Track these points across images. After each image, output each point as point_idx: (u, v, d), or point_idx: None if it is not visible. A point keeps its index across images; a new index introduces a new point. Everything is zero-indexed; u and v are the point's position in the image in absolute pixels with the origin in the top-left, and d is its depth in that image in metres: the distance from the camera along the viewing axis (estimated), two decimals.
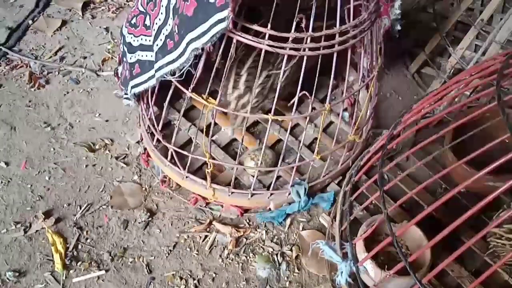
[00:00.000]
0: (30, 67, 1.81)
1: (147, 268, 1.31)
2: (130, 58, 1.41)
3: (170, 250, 1.35)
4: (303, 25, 1.15)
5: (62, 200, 1.44)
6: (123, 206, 1.43)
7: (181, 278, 1.30)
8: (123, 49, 1.45)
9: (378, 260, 1.20)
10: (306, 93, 1.36)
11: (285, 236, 1.40)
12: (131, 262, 1.32)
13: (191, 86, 1.26)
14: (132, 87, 1.42)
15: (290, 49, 1.17)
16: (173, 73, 1.25)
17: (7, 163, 1.51)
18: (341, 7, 1.17)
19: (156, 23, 1.28)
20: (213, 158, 1.42)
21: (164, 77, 1.28)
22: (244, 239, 1.39)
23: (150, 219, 1.41)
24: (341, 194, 1.36)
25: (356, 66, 1.60)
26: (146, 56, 1.36)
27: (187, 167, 1.40)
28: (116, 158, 1.55)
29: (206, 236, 1.38)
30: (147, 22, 1.35)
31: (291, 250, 1.37)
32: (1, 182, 1.47)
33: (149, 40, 1.34)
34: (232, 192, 1.40)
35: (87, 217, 1.41)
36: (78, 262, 1.31)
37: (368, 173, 1.38)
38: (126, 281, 1.28)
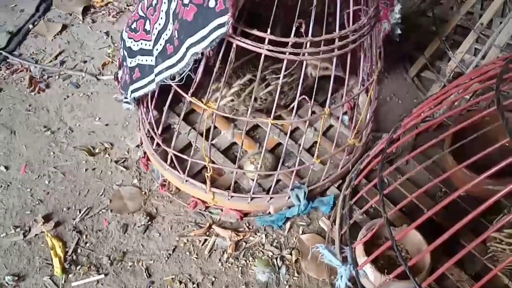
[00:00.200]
0: (30, 71, 1.82)
1: (146, 272, 1.31)
2: (130, 63, 1.42)
3: (170, 254, 1.35)
4: (302, 30, 1.15)
5: (62, 204, 1.44)
6: (123, 210, 1.43)
7: (180, 282, 1.30)
8: (123, 53, 1.46)
9: (378, 264, 1.20)
10: (306, 97, 1.36)
11: (285, 240, 1.40)
12: (130, 266, 1.32)
13: (191, 91, 1.26)
14: (132, 91, 1.43)
15: (290, 53, 1.17)
16: (173, 78, 1.25)
17: (7, 167, 1.51)
18: (341, 12, 1.18)
19: (156, 28, 1.28)
20: (213, 162, 1.42)
21: (164, 82, 1.28)
22: (244, 243, 1.38)
23: (149, 223, 1.41)
24: (340, 197, 1.35)
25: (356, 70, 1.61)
26: (146, 60, 1.36)
27: (186, 171, 1.40)
28: (116, 162, 1.55)
29: (205, 240, 1.38)
30: (147, 27, 1.35)
31: (290, 254, 1.37)
32: (1, 186, 1.47)
33: (149, 45, 1.34)
34: (231, 196, 1.39)
35: (86, 221, 1.41)
36: (77, 266, 1.31)
37: (368, 176, 1.38)
38: (126, 285, 1.28)
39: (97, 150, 1.58)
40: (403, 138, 1.19)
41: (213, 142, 1.54)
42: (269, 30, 1.14)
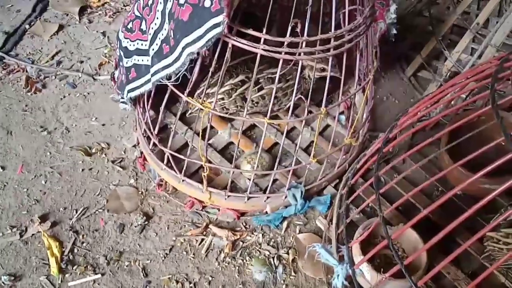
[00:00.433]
0: (26, 71, 1.81)
1: (143, 271, 1.31)
2: (126, 63, 1.42)
3: (166, 254, 1.35)
4: (298, 29, 1.15)
5: (58, 204, 1.44)
6: (119, 210, 1.43)
7: (177, 282, 1.30)
8: (120, 53, 1.46)
9: (374, 263, 1.21)
10: (302, 97, 1.36)
11: (282, 239, 1.40)
12: (127, 266, 1.32)
13: (187, 90, 1.26)
14: (129, 91, 1.43)
15: (286, 53, 1.17)
16: (169, 77, 1.25)
17: (3, 167, 1.51)
18: (337, 12, 1.18)
19: (152, 28, 1.28)
20: (210, 162, 1.42)
21: (160, 81, 1.28)
22: (241, 243, 1.38)
23: (146, 222, 1.41)
24: (337, 197, 1.36)
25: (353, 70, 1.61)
26: (142, 60, 1.36)
27: (183, 171, 1.40)
28: (113, 162, 1.55)
29: (202, 240, 1.38)
30: (143, 27, 1.35)
31: (287, 253, 1.37)
32: None
33: (145, 45, 1.34)
34: (228, 196, 1.40)
35: (83, 221, 1.41)
36: (74, 266, 1.30)
37: (364, 176, 1.38)
38: (122, 285, 1.28)
39: (93, 150, 1.58)
40: (400, 137, 1.19)
41: (210, 142, 1.54)
42: (264, 30, 1.14)
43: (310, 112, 1.34)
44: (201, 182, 1.39)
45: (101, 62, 1.88)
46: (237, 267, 1.33)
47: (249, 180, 1.42)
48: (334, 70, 1.40)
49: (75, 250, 1.34)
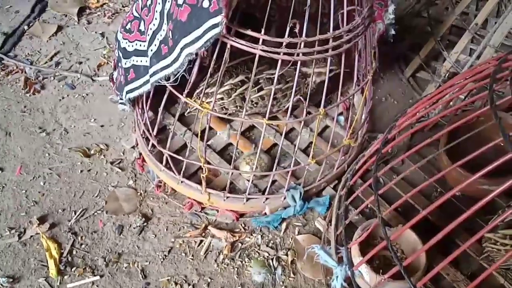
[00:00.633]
0: (25, 72, 1.81)
1: (142, 273, 1.31)
2: (125, 64, 1.41)
3: (165, 255, 1.35)
4: (296, 30, 1.15)
5: (57, 206, 1.43)
6: (118, 211, 1.43)
7: (176, 283, 1.29)
8: (118, 54, 1.45)
9: (373, 264, 1.20)
10: (301, 98, 1.36)
11: (281, 241, 1.40)
12: (126, 268, 1.32)
13: (186, 91, 1.26)
14: (127, 92, 1.42)
15: (284, 54, 1.17)
16: (167, 78, 1.25)
17: (1, 169, 1.51)
18: (335, 13, 1.18)
19: (151, 29, 1.28)
20: (208, 163, 1.42)
21: (159, 82, 1.28)
22: (240, 244, 1.38)
23: (145, 224, 1.41)
24: (336, 198, 1.35)
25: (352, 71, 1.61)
26: (141, 61, 1.36)
27: (182, 172, 1.40)
28: (111, 163, 1.55)
29: (201, 241, 1.38)
30: (142, 28, 1.35)
31: (286, 254, 1.36)
32: None
33: (144, 46, 1.34)
34: (227, 197, 1.39)
35: (81, 222, 1.40)
36: (73, 268, 1.30)
37: (363, 177, 1.38)
38: (121, 286, 1.28)
39: (92, 151, 1.58)
40: (398, 138, 1.19)
41: (209, 143, 1.54)
42: (263, 31, 1.14)
43: (309, 113, 1.34)
44: (200, 183, 1.38)
45: (99, 63, 1.88)
46: (236, 269, 1.33)
47: (248, 181, 1.42)
48: (334, 68, 1.40)
49: (74, 252, 1.34)
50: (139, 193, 1.48)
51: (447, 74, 1.79)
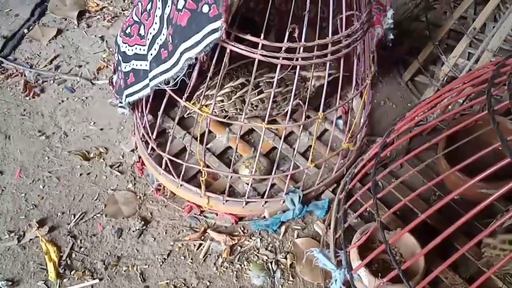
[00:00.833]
0: (25, 76, 1.82)
1: (141, 276, 1.31)
2: (125, 67, 1.42)
3: (164, 259, 1.35)
4: (296, 35, 1.15)
5: (56, 209, 1.44)
6: (117, 215, 1.43)
7: (175, 287, 1.30)
8: (118, 58, 1.46)
9: (372, 267, 1.21)
10: (300, 102, 1.37)
11: (280, 244, 1.40)
12: (125, 271, 1.32)
13: (185, 95, 1.27)
14: (127, 96, 1.43)
15: (283, 58, 1.18)
16: (167, 82, 1.25)
17: (1, 172, 1.51)
18: (334, 18, 1.18)
19: (150, 33, 1.28)
20: (208, 166, 1.42)
21: (158, 86, 1.28)
22: (239, 247, 1.38)
23: (144, 227, 1.41)
24: (335, 201, 1.36)
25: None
26: (141, 65, 1.36)
27: (181, 175, 1.40)
28: (111, 166, 1.55)
29: (200, 244, 1.38)
30: (142, 32, 1.35)
31: (285, 258, 1.37)
32: None
33: (144, 50, 1.35)
34: (226, 200, 1.40)
35: (81, 225, 1.40)
36: (72, 271, 1.30)
37: (362, 180, 1.38)
38: None
39: (92, 155, 1.58)
40: (397, 142, 1.20)
41: (208, 146, 1.54)
42: (262, 35, 1.15)
43: (308, 116, 1.35)
44: (199, 186, 1.39)
45: (99, 66, 1.88)
46: (235, 272, 1.33)
47: (247, 184, 1.43)
48: (334, 72, 1.41)
49: (73, 255, 1.34)
50: (138, 197, 1.48)
51: (445, 78, 1.80)
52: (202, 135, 1.31)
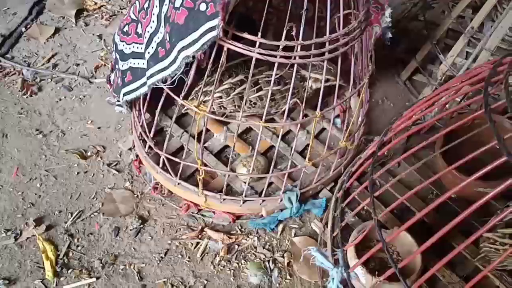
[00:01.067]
0: (22, 74, 1.81)
1: (138, 275, 1.31)
2: (122, 66, 1.42)
3: (162, 257, 1.35)
4: (293, 33, 1.15)
5: (53, 207, 1.43)
6: (115, 213, 1.43)
7: (172, 285, 1.29)
8: (115, 56, 1.46)
9: (369, 266, 1.21)
10: (298, 100, 1.37)
11: (277, 243, 1.40)
12: (122, 270, 1.32)
13: (182, 93, 1.26)
14: (124, 94, 1.43)
15: (281, 57, 1.18)
16: (164, 81, 1.25)
17: None
18: (332, 16, 1.18)
19: (148, 31, 1.28)
20: (205, 165, 1.42)
21: (156, 85, 1.28)
22: (236, 246, 1.38)
23: (141, 226, 1.41)
24: (333, 200, 1.36)
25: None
26: (138, 63, 1.36)
27: (179, 174, 1.40)
28: (108, 165, 1.55)
29: (197, 243, 1.38)
30: (139, 30, 1.35)
31: (283, 256, 1.37)
32: None
33: (141, 48, 1.34)
34: (224, 199, 1.40)
35: (78, 224, 1.40)
36: (69, 270, 1.30)
37: (359, 179, 1.39)
38: None
39: (89, 153, 1.58)
40: (394, 141, 1.20)
41: (206, 145, 1.54)
42: (259, 34, 1.15)
43: (305, 115, 1.35)
44: (196, 185, 1.39)
45: (97, 65, 1.88)
46: (232, 271, 1.33)
47: (245, 183, 1.43)
48: (331, 79, 1.41)
49: (70, 254, 1.34)
50: (135, 195, 1.48)
51: (443, 77, 1.80)
52: (200, 133, 1.31)
